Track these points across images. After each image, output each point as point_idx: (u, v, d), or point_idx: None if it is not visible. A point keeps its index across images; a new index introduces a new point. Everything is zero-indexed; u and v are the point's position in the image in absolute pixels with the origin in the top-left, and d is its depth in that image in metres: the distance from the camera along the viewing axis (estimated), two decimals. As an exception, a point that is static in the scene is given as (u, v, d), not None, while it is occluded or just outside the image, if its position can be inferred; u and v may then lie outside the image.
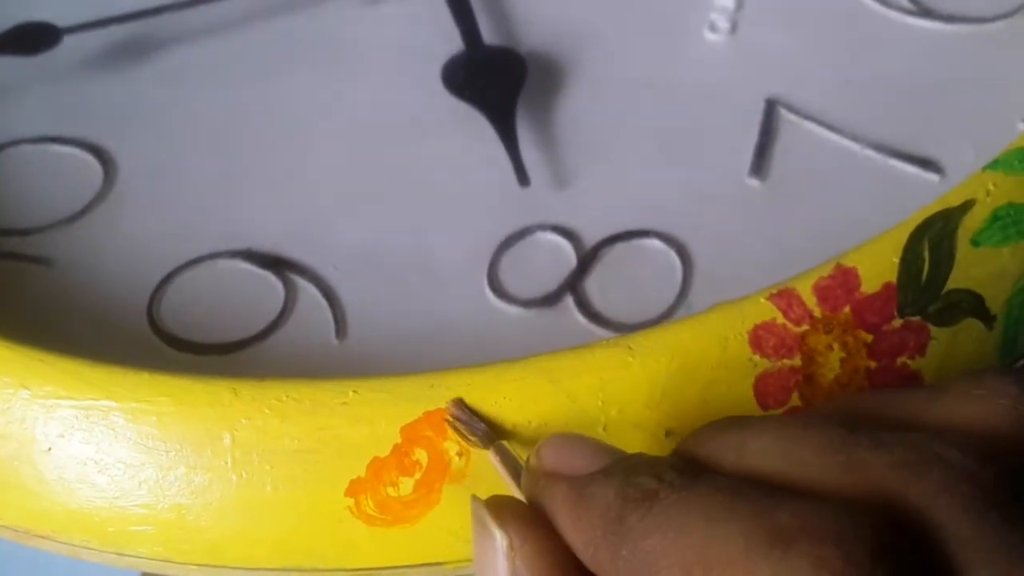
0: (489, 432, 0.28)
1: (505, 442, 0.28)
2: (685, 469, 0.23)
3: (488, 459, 0.28)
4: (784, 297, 0.30)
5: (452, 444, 0.29)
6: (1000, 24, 0.42)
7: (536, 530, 0.24)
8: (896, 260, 0.31)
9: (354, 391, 0.29)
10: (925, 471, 0.21)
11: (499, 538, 0.24)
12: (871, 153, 0.39)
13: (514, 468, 0.27)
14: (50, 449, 0.30)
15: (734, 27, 0.44)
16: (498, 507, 0.25)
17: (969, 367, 0.31)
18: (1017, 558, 0.20)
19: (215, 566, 0.29)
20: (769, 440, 0.23)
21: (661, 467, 0.23)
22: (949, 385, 0.24)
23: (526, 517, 0.25)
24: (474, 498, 0.25)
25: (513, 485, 0.27)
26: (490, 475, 0.28)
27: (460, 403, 0.29)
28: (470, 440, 0.28)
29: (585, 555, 0.23)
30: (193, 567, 0.30)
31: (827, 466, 0.22)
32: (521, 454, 0.27)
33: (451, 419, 0.28)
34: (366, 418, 0.29)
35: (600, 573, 0.23)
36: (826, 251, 0.32)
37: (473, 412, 0.29)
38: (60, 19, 0.43)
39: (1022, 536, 0.20)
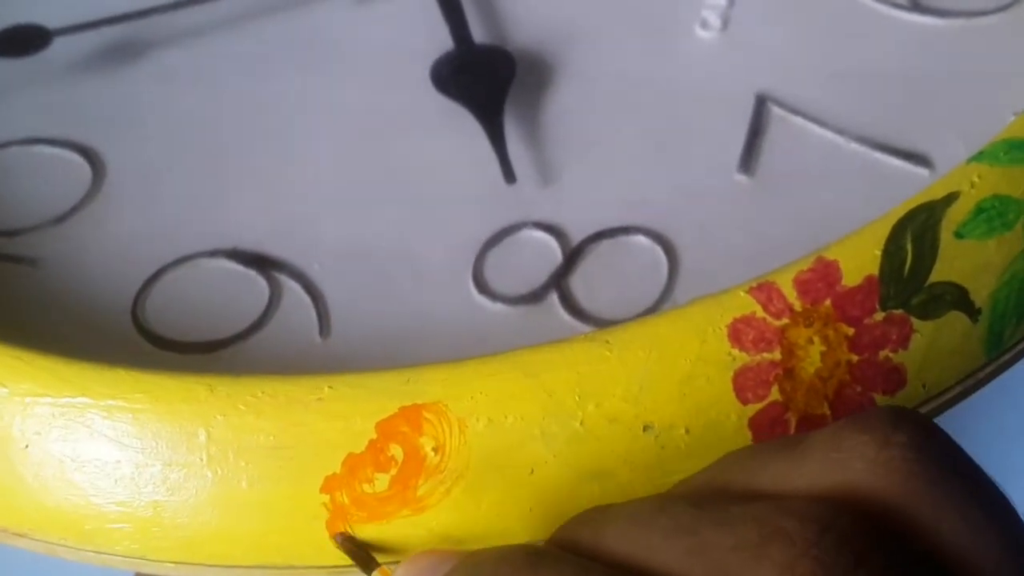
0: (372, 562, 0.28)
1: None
2: (529, 552, 0.23)
3: (466, 455, 0.28)
4: (764, 290, 0.30)
5: (428, 440, 0.28)
6: (991, 19, 0.42)
7: None
8: (878, 253, 0.31)
9: (329, 387, 0.29)
10: (764, 551, 0.21)
11: None
12: (862, 148, 0.38)
13: None
14: (27, 447, 0.30)
15: (726, 24, 0.43)
16: None
17: (954, 361, 0.31)
18: None
19: (191, 563, 0.29)
20: (622, 525, 0.23)
21: (502, 554, 0.24)
22: (809, 448, 0.24)
23: None
24: None
25: None
26: (466, 472, 0.28)
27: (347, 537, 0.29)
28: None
29: None
30: (170, 564, 0.29)
31: (674, 550, 0.22)
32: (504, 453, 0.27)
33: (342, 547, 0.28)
34: (341, 414, 0.29)
35: None
36: (816, 246, 0.32)
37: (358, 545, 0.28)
38: (50, 21, 0.43)
39: None
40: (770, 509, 0.22)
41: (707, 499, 0.23)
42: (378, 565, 0.28)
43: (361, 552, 0.28)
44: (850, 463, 0.23)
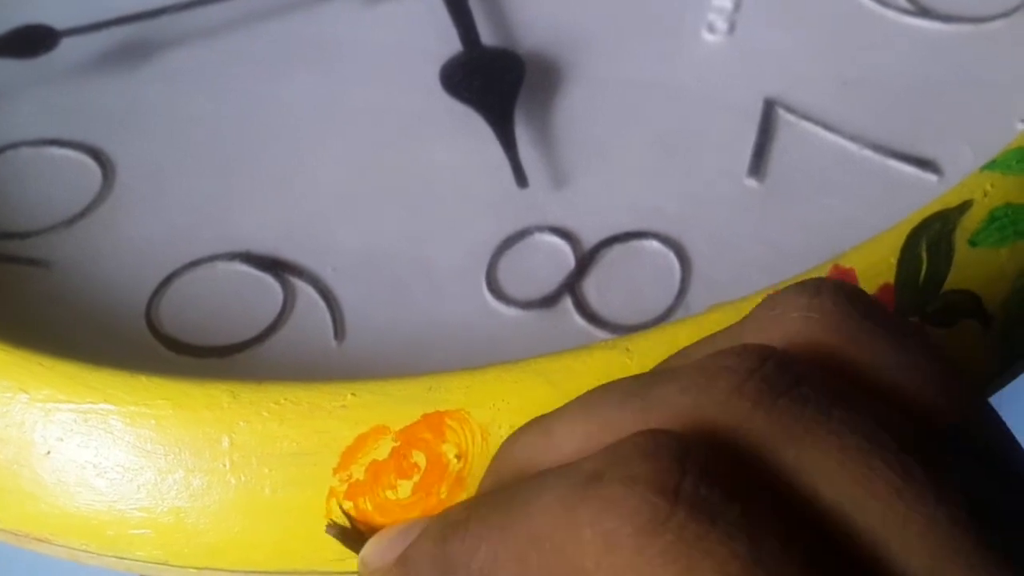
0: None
1: None
2: (491, 489, 0.24)
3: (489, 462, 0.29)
4: (782, 298, 0.30)
5: (450, 447, 0.29)
6: (998, 24, 0.42)
7: None
8: (894, 261, 0.31)
9: (352, 394, 0.29)
10: (711, 384, 0.22)
11: None
12: (870, 153, 0.39)
13: None
14: (49, 452, 0.30)
15: (732, 28, 0.44)
16: None
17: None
18: (812, 430, 0.21)
19: (214, 569, 0.29)
20: (571, 413, 0.24)
21: (470, 500, 0.24)
22: (749, 315, 0.25)
23: None
24: None
25: None
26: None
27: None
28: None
29: None
30: (192, 570, 0.30)
31: (628, 414, 0.22)
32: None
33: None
34: (364, 421, 0.29)
35: None
36: (825, 252, 0.33)
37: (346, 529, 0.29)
38: (58, 22, 0.43)
39: (814, 412, 0.21)
40: (712, 357, 0.23)
41: (652, 370, 0.24)
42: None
43: (352, 533, 0.28)
44: (785, 315, 0.23)
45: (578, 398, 0.24)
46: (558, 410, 0.25)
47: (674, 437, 0.21)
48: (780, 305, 0.24)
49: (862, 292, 0.24)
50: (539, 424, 0.25)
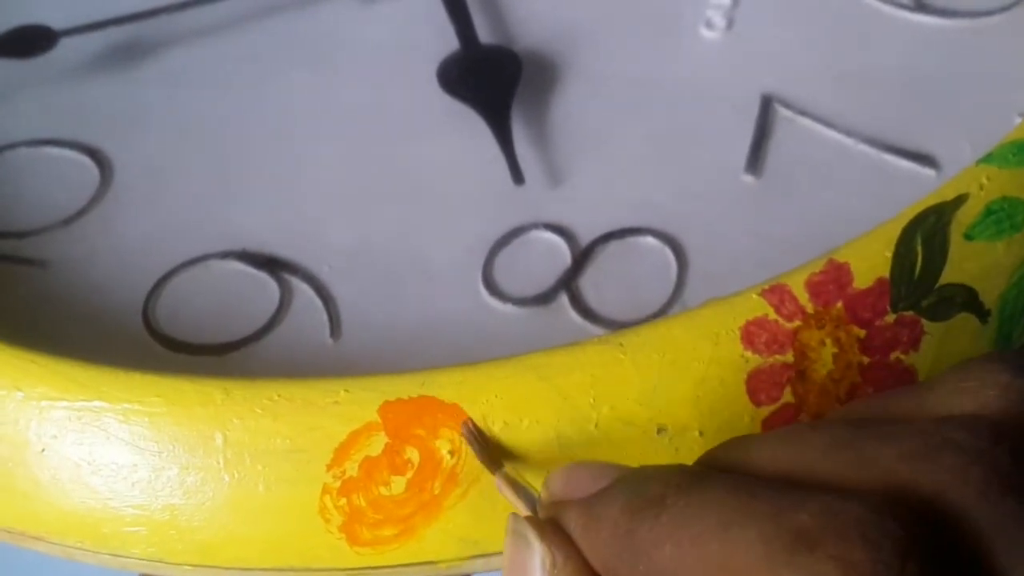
0: (495, 458, 0.28)
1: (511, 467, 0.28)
2: (691, 471, 0.23)
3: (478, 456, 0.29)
4: (776, 293, 0.30)
5: (444, 443, 0.29)
6: (996, 18, 0.42)
7: (577, 550, 0.24)
8: (889, 255, 0.31)
9: (345, 390, 0.29)
10: (936, 456, 0.21)
11: (542, 554, 0.24)
12: (867, 149, 0.39)
13: (524, 493, 0.27)
14: (43, 451, 0.30)
15: (730, 24, 0.44)
16: (541, 524, 0.24)
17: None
18: None
19: (208, 566, 0.29)
20: (772, 446, 0.23)
21: (667, 473, 0.23)
22: (937, 381, 0.24)
23: (567, 536, 0.24)
24: (514, 515, 0.25)
25: (521, 508, 0.26)
26: (482, 474, 0.28)
27: (470, 424, 0.29)
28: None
29: None
30: (187, 567, 0.30)
31: (836, 465, 0.22)
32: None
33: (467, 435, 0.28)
34: (357, 417, 0.29)
35: None
36: (823, 247, 0.32)
37: (481, 435, 0.28)
38: (56, 22, 0.43)
39: None
40: (932, 424, 0.22)
41: (858, 422, 0.23)
42: (502, 467, 0.28)
43: (486, 448, 0.28)
44: (981, 391, 0.22)
45: (783, 430, 0.24)
46: (760, 437, 0.24)
47: (901, 525, 0.20)
48: (975, 378, 0.23)
49: None
50: (740, 446, 0.24)
